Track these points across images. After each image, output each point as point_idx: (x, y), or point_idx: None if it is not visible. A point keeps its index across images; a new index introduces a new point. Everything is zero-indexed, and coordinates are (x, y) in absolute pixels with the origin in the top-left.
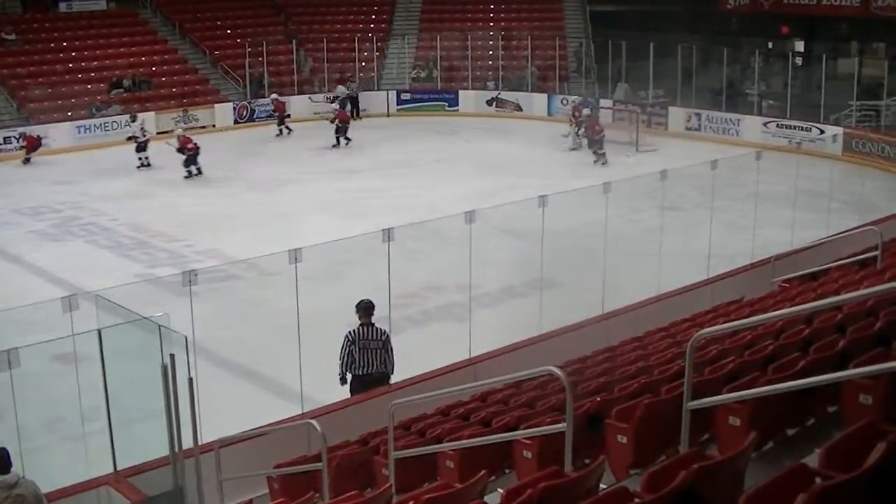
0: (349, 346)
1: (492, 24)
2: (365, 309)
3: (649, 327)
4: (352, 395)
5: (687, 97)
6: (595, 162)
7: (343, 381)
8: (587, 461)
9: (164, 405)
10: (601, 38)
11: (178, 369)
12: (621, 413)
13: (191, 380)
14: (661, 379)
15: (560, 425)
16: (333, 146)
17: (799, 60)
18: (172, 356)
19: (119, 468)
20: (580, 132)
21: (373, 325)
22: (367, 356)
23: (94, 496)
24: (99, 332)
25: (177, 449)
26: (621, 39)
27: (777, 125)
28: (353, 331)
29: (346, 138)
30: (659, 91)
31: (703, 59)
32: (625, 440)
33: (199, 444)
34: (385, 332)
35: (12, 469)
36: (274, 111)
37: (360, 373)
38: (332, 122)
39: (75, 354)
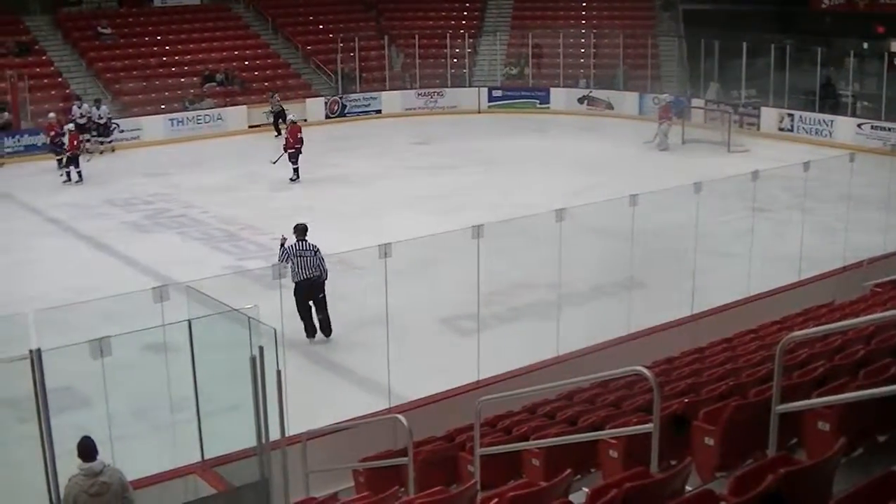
0: (287, 257)
1: (583, 21)
2: (301, 230)
3: (738, 329)
4: (296, 297)
5: (779, 97)
6: (291, 179)
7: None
8: (673, 462)
9: (251, 396)
10: (693, 36)
11: (267, 361)
12: (709, 415)
13: (279, 372)
14: (749, 381)
15: (647, 426)
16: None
17: None
18: (261, 348)
19: (206, 457)
20: (668, 132)
21: (305, 240)
22: (302, 262)
23: (181, 484)
24: (189, 322)
25: (264, 440)
26: (713, 38)
27: (871, 127)
28: (291, 245)
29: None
30: (751, 91)
31: (796, 59)
32: (712, 442)
33: (286, 436)
34: (315, 245)
35: (99, 457)
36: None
37: (300, 279)
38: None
39: (165, 344)
